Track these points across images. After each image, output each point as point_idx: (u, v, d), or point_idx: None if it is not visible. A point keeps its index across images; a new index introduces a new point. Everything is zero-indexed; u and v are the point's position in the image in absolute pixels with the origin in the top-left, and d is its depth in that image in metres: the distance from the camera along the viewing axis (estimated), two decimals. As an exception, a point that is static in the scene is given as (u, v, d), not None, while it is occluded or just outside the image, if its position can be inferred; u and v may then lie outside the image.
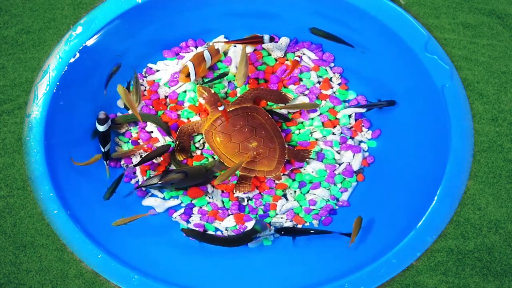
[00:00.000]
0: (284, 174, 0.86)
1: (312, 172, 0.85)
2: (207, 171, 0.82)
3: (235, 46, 0.86)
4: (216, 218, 0.86)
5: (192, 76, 0.81)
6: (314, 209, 0.86)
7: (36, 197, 0.78)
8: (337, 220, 0.86)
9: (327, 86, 0.86)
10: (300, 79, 0.87)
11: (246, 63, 0.81)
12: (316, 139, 0.86)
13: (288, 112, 0.86)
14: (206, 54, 0.82)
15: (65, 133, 0.81)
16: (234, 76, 0.86)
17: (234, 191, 0.84)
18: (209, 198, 0.86)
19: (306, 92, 0.86)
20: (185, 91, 0.87)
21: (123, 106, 0.88)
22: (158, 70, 0.88)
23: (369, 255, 0.78)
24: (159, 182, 0.79)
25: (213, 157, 0.85)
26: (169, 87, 0.87)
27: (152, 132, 0.86)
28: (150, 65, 0.88)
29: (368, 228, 0.82)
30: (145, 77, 0.88)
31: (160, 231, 0.85)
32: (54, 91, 0.79)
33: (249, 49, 0.86)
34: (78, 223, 0.78)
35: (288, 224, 0.85)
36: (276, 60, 0.87)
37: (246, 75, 0.81)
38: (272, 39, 0.81)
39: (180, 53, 0.87)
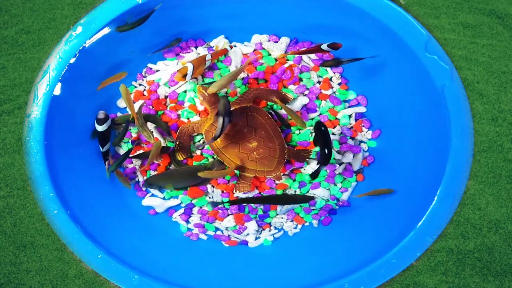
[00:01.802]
0: (284, 174, 0.86)
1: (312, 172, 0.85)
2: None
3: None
4: (216, 218, 0.86)
5: (188, 77, 0.81)
6: (314, 209, 0.86)
7: (36, 197, 0.78)
8: (337, 220, 0.86)
9: (327, 86, 0.86)
10: (300, 79, 0.87)
11: (233, 78, 0.79)
12: (316, 139, 0.86)
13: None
14: (208, 58, 0.82)
15: (65, 133, 0.81)
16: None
17: (234, 191, 0.84)
18: (209, 198, 0.86)
19: (306, 92, 0.86)
20: (185, 91, 0.87)
21: (124, 106, 0.88)
22: (158, 70, 0.88)
23: (369, 255, 0.78)
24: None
25: (213, 157, 0.85)
26: (169, 87, 0.87)
27: (152, 132, 0.86)
28: (150, 65, 0.88)
29: (368, 228, 0.82)
30: (145, 77, 0.88)
31: (160, 231, 0.85)
32: (54, 91, 0.79)
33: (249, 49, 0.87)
34: (78, 223, 0.78)
35: (289, 224, 0.85)
36: (276, 60, 0.87)
37: (222, 87, 0.79)
38: (334, 46, 0.79)
39: (180, 53, 0.87)
